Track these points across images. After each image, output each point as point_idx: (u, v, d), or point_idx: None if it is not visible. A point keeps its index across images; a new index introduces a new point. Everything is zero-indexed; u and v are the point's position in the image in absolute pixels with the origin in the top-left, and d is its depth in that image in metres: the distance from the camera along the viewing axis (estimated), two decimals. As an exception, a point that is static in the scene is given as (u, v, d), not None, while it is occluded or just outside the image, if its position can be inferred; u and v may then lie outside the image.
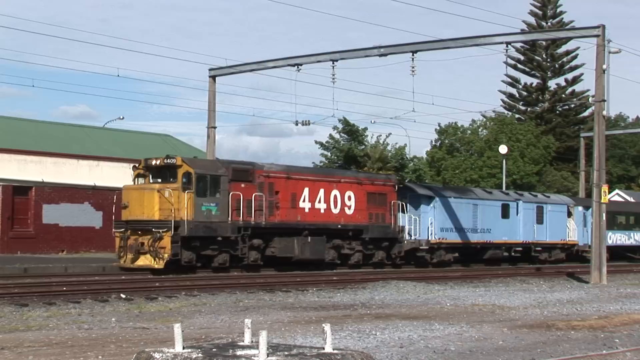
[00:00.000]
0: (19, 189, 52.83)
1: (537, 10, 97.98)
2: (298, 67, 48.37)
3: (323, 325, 10.04)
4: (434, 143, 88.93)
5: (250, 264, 41.14)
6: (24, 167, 54.74)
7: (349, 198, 46.29)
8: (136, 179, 40.73)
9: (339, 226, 45.55)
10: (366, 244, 46.93)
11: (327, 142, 78.60)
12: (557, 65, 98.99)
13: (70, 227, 54.46)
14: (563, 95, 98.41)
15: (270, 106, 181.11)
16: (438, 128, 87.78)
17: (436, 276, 41.30)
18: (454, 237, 52.66)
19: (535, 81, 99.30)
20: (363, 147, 78.40)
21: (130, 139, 66.39)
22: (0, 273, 34.94)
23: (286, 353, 9.48)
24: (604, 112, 40.54)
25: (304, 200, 44.00)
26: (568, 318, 23.09)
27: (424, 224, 50.99)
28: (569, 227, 61.83)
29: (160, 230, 37.74)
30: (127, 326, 19.87)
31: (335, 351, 9.70)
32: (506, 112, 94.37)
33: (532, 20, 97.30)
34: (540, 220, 59.16)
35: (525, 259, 58.81)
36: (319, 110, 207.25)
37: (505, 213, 56.67)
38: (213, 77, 52.42)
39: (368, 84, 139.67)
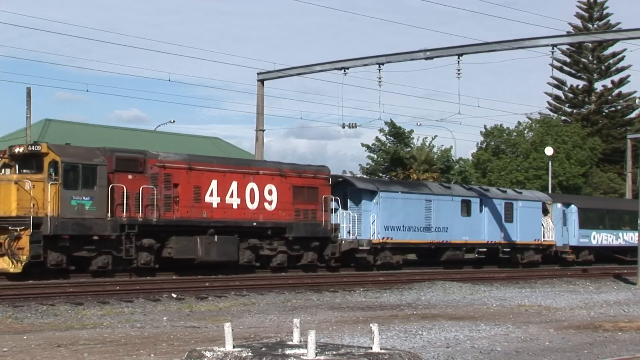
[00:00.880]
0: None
1: (583, 13, 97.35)
2: (345, 71, 48.69)
3: (370, 325, 10.24)
4: (479, 145, 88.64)
5: (141, 267, 36.29)
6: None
7: (270, 192, 40.98)
8: (2, 170, 35.25)
9: (255, 224, 40.10)
10: (291, 244, 41.47)
11: (373, 144, 78.50)
12: (603, 67, 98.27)
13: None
14: (609, 97, 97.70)
15: (317, 109, 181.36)
16: (484, 130, 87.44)
17: (482, 277, 41.33)
18: (401, 237, 47.02)
19: (581, 83, 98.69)
20: (409, 149, 78.29)
21: (181, 142, 66.94)
22: None
23: (334, 352, 9.64)
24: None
25: (211, 195, 38.62)
26: (615, 319, 23.08)
27: (366, 222, 45.87)
28: (545, 226, 56.25)
29: (18, 229, 32.60)
30: (178, 325, 20.19)
31: (383, 351, 9.86)
32: (552, 114, 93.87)
33: (578, 22, 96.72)
34: (509, 218, 53.50)
35: (493, 261, 54.08)
36: (365, 113, 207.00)
37: (466, 210, 51.08)
38: (261, 81, 52.85)
39: (414, 87, 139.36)
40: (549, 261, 56.86)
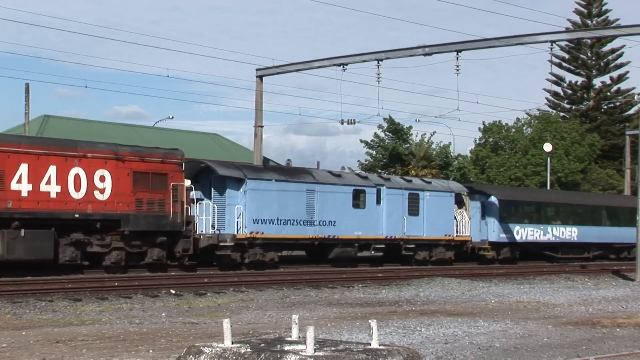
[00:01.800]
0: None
1: (582, 9, 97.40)
2: (343, 67, 48.75)
3: (369, 321, 10.25)
4: (478, 141, 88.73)
5: None
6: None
7: (102, 179, 34.91)
8: None
9: (77, 215, 34.00)
10: (129, 239, 35.53)
11: (372, 140, 78.60)
12: (602, 64, 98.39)
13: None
14: (608, 93, 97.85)
15: (316, 105, 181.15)
16: (482, 126, 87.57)
17: (480, 273, 41.37)
18: (275, 231, 41.30)
19: (580, 79, 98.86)
20: (408, 145, 78.37)
21: (179, 138, 66.91)
22: None
23: (333, 348, 9.65)
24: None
25: (19, 181, 32.55)
26: (613, 315, 23.11)
27: (230, 214, 40.23)
28: (460, 219, 50.52)
29: None
30: (176, 321, 20.21)
31: (381, 347, 9.87)
32: (551, 110, 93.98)
33: (576, 18, 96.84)
34: (414, 210, 47.75)
35: (395, 259, 48.02)
36: (364, 109, 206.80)
37: (358, 202, 45.23)
38: (260, 77, 52.91)
39: (413, 83, 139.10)
40: (465, 259, 51.56)
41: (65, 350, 15.17)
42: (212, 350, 9.73)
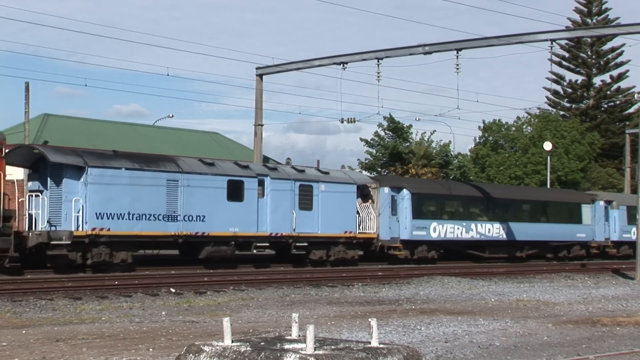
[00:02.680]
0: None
1: (582, 8, 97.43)
2: (343, 66, 48.70)
3: (369, 320, 10.25)
4: (478, 140, 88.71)
5: None
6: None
7: None
8: None
9: None
10: None
11: (372, 139, 78.55)
12: (602, 62, 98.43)
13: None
14: (608, 92, 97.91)
15: (316, 104, 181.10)
16: (482, 125, 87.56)
17: (480, 272, 41.39)
18: (126, 228, 36.09)
19: (580, 78, 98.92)
20: (408, 144, 78.33)
21: (179, 136, 66.96)
22: None
23: (333, 347, 9.65)
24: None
25: None
26: (613, 314, 23.12)
27: (68, 209, 35.03)
28: (366, 215, 45.74)
29: None
30: (176, 320, 20.22)
31: (381, 345, 9.87)
32: (551, 109, 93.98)
33: (577, 17, 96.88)
34: (306, 204, 42.88)
35: (288, 259, 43.36)
36: (364, 107, 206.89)
37: (235, 194, 40.19)
38: (260, 76, 52.88)
39: (413, 82, 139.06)
40: (373, 259, 46.76)
41: (65, 348, 15.17)
42: (212, 349, 9.72)
